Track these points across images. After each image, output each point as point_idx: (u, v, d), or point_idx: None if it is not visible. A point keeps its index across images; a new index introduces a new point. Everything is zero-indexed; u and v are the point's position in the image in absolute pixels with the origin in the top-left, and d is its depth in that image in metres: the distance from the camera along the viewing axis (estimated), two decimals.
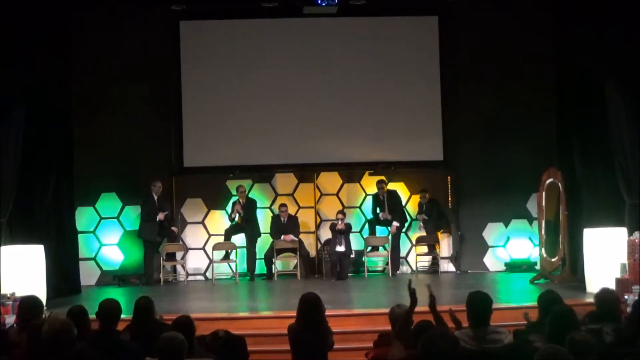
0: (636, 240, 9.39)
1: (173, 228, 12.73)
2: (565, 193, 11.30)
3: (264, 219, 13.02)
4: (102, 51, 12.72)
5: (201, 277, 13.14)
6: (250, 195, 12.99)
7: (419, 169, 13.38)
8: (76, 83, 11.94)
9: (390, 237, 12.93)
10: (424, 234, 12.98)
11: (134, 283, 12.25)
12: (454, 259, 13.27)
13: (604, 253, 9.84)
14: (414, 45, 13.27)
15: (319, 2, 11.87)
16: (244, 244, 12.82)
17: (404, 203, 13.20)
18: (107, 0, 12.25)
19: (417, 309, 5.65)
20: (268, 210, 13.23)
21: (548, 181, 11.65)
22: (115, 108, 12.89)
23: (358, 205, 13.44)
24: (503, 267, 13.01)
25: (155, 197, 12.52)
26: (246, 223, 12.72)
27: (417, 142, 13.25)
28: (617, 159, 10.18)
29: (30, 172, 10.38)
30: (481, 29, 13.08)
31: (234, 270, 12.68)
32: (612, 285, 8.74)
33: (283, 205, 12.92)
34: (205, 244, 13.15)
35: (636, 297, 7.70)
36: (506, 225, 13.22)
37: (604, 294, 5.79)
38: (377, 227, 13.12)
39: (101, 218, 12.94)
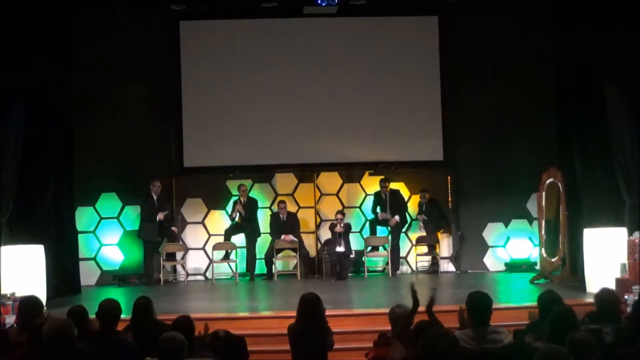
0: (636, 240, 9.39)
1: (173, 228, 12.73)
2: (565, 193, 11.30)
3: (263, 219, 13.02)
4: (102, 51, 12.72)
5: (201, 277, 13.14)
6: (250, 195, 12.98)
7: (419, 169, 13.38)
8: (76, 83, 11.94)
9: (390, 237, 12.93)
10: (424, 234, 12.98)
11: (134, 283, 12.25)
12: (454, 259, 13.27)
13: (604, 253, 9.84)
14: (414, 45, 13.27)
15: (319, 2, 11.86)
16: (244, 244, 12.82)
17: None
18: (107, 1, 12.26)
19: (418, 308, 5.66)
20: (268, 210, 13.23)
21: (548, 181, 11.65)
22: (115, 108, 12.89)
23: (358, 205, 13.44)
24: (503, 267, 13.01)
25: (155, 197, 12.52)
26: (246, 223, 12.72)
27: (417, 142, 13.25)
28: (617, 159, 10.18)
29: (30, 172, 10.38)
30: (481, 29, 13.08)
31: (234, 270, 12.68)
32: (612, 285, 8.74)
33: (282, 202, 12.92)
34: (205, 244, 13.15)
35: (636, 297, 7.70)
36: (506, 225, 13.22)
37: (604, 294, 5.79)
38: (378, 227, 13.11)
39: (101, 218, 12.94)
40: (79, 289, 11.48)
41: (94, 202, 12.89)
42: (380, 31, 13.26)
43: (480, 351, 5.00)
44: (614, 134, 10.21)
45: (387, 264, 12.82)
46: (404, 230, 13.18)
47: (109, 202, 12.95)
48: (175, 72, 13.07)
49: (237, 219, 12.79)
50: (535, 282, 11.37)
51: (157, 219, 12.43)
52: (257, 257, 12.82)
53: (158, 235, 12.57)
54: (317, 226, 13.30)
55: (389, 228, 13.04)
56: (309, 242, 13.15)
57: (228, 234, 12.76)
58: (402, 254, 13.14)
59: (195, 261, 13.15)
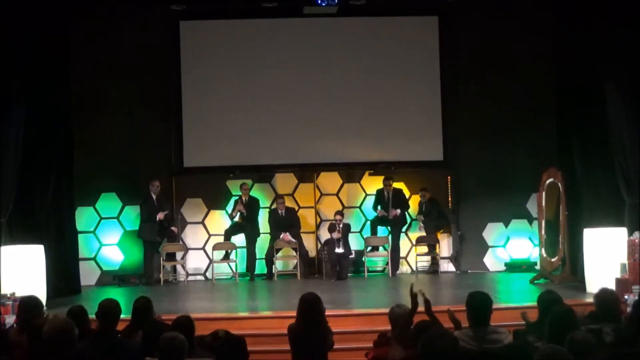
0: (636, 240, 9.39)
1: (173, 228, 12.73)
2: (565, 193, 11.30)
3: (263, 219, 13.01)
4: (102, 51, 12.72)
5: (201, 277, 13.14)
6: (251, 195, 12.94)
7: (419, 169, 13.38)
8: (76, 83, 11.93)
9: (390, 237, 12.94)
10: (424, 234, 12.98)
11: (134, 283, 12.25)
12: (454, 259, 13.27)
13: (604, 253, 9.84)
14: (414, 45, 13.27)
15: (319, 2, 11.87)
16: (244, 244, 12.82)
17: None
18: (107, 0, 12.26)
19: (417, 308, 5.66)
20: (268, 210, 13.21)
21: (548, 181, 11.65)
22: (115, 108, 12.89)
23: (358, 205, 13.44)
24: (503, 267, 13.01)
25: (154, 197, 12.52)
26: (247, 222, 12.71)
27: (417, 142, 13.25)
28: (617, 159, 10.18)
29: (30, 172, 10.37)
30: (481, 29, 13.08)
31: (234, 270, 12.68)
32: (612, 285, 8.74)
33: (280, 197, 12.92)
34: (205, 244, 13.15)
35: (636, 297, 7.70)
36: (506, 225, 13.22)
37: (604, 294, 5.78)
38: (378, 227, 13.10)
39: (101, 218, 12.94)
40: (79, 289, 11.48)
41: (94, 202, 12.89)
42: (380, 31, 13.26)
43: (480, 351, 4.99)
44: (614, 134, 10.21)
45: (387, 264, 12.82)
46: (404, 230, 13.18)
47: (109, 202, 12.95)
48: (175, 72, 13.07)
49: (237, 219, 12.78)
50: (535, 282, 11.37)
51: (157, 219, 12.43)
52: (257, 257, 12.82)
53: (158, 235, 12.57)
54: (317, 226, 13.29)
55: (388, 228, 13.04)
56: (309, 242, 13.15)
57: (228, 234, 12.76)
58: (402, 254, 13.13)
59: (195, 261, 13.15)
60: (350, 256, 12.63)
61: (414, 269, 13.03)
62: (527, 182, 12.52)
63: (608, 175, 10.49)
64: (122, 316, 5.73)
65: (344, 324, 8.19)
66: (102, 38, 12.71)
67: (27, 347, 5.06)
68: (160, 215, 12.42)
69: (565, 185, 11.31)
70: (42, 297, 8.17)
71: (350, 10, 12.65)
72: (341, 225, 12.50)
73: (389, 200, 12.92)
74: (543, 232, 11.80)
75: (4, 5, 9.63)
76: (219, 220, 13.18)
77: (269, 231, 12.91)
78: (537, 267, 12.21)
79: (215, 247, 12.71)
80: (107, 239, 12.94)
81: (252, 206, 12.77)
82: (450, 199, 13.32)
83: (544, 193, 11.72)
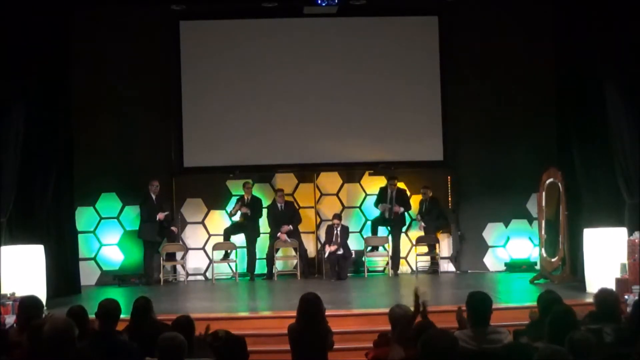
0: (636, 240, 9.39)
1: (173, 228, 12.73)
2: (565, 193, 11.30)
3: (263, 219, 12.99)
4: (102, 51, 12.72)
5: (201, 277, 13.14)
6: (254, 194, 12.93)
7: (419, 169, 13.38)
8: (76, 83, 11.93)
9: (390, 237, 12.94)
10: (424, 233, 12.99)
11: (134, 283, 12.26)
12: (454, 259, 13.27)
13: (604, 253, 9.84)
14: (414, 45, 13.26)
15: (319, 2, 11.86)
16: (244, 244, 12.81)
17: None
18: (107, 1, 12.26)
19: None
20: (265, 209, 13.19)
21: (548, 181, 11.65)
22: (115, 108, 12.89)
23: (358, 205, 13.44)
24: (503, 267, 13.01)
25: (154, 197, 12.51)
26: (248, 222, 12.69)
27: (417, 142, 13.25)
28: (617, 159, 10.19)
29: (30, 172, 10.37)
30: (481, 29, 13.08)
31: (234, 270, 12.68)
32: (612, 285, 8.74)
33: (280, 190, 12.90)
34: (205, 244, 13.15)
35: (636, 297, 7.71)
36: (506, 225, 13.22)
37: (604, 294, 5.78)
38: (379, 227, 13.10)
39: (101, 218, 12.94)
40: (79, 289, 11.47)
41: (94, 202, 12.89)
42: (380, 31, 13.26)
43: (480, 351, 5.00)
44: (614, 134, 10.21)
45: (387, 264, 12.82)
46: (404, 230, 13.18)
47: (109, 202, 12.95)
48: (175, 72, 13.07)
49: (238, 218, 12.76)
50: (535, 282, 11.37)
51: (157, 219, 12.43)
52: (258, 257, 12.81)
53: (158, 235, 12.56)
54: (317, 226, 13.29)
55: (388, 228, 13.03)
56: (309, 242, 13.15)
57: (228, 233, 12.76)
58: (402, 254, 13.13)
59: (195, 261, 13.15)
60: (351, 257, 12.63)
61: (414, 269, 13.03)
62: (527, 182, 12.52)
63: (608, 175, 10.50)
64: (122, 316, 5.73)
65: (344, 324, 8.19)
66: (102, 38, 12.71)
67: (27, 347, 5.06)
68: (160, 216, 12.42)
69: (565, 185, 11.32)
70: (42, 297, 8.15)
71: (350, 10, 12.65)
72: (339, 229, 12.47)
73: (392, 200, 12.91)
74: (543, 232, 11.80)
75: (4, 5, 9.63)
76: (219, 220, 13.18)
77: (269, 231, 12.89)
78: (537, 267, 12.21)
79: (215, 247, 12.71)
80: (107, 239, 12.94)
81: (254, 205, 12.76)
82: (450, 199, 13.32)
83: (544, 193, 11.72)
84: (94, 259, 12.87)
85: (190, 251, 13.11)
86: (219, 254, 12.75)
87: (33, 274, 9.60)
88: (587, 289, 9.90)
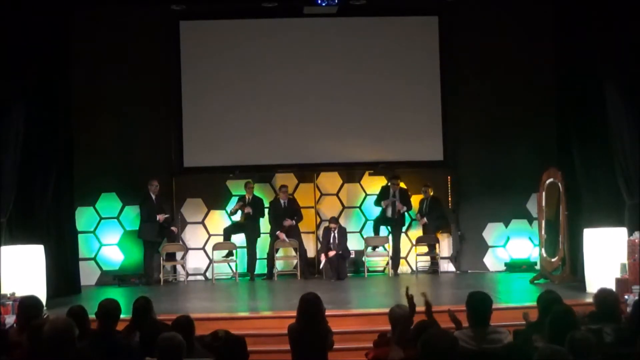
0: (636, 240, 9.39)
1: (173, 228, 12.72)
2: (565, 193, 11.30)
3: (264, 219, 12.99)
4: (102, 51, 12.72)
5: (201, 277, 13.14)
6: (255, 194, 12.92)
7: (419, 169, 13.37)
8: (76, 83, 11.93)
9: (390, 237, 12.94)
10: (423, 233, 12.99)
11: (134, 283, 12.25)
12: (454, 259, 13.27)
13: (604, 253, 9.84)
14: (414, 45, 13.26)
15: (319, 2, 11.86)
16: (244, 244, 12.81)
17: None
18: (107, 0, 12.26)
19: (416, 309, 5.66)
20: (267, 210, 13.19)
21: (548, 181, 11.65)
22: (115, 108, 12.88)
23: (358, 205, 13.44)
24: (503, 267, 13.01)
25: (154, 197, 12.51)
26: (249, 222, 12.68)
27: (417, 142, 13.25)
28: (617, 159, 10.18)
29: (30, 172, 10.37)
30: (481, 29, 13.08)
31: (234, 270, 12.68)
32: (612, 285, 8.75)
33: (284, 186, 12.87)
34: (205, 244, 13.15)
35: (636, 297, 7.71)
36: (506, 225, 13.22)
37: (604, 294, 5.78)
38: (380, 227, 13.10)
39: (101, 218, 12.94)
40: (79, 289, 11.47)
41: (94, 202, 12.89)
42: (380, 31, 13.26)
43: (480, 351, 5.00)
44: (614, 134, 10.21)
45: (387, 264, 12.82)
46: (404, 230, 13.18)
47: (109, 202, 12.95)
48: (175, 72, 13.07)
49: (240, 218, 12.75)
50: (535, 282, 11.37)
51: (157, 219, 12.42)
52: (258, 257, 12.81)
53: (158, 235, 12.56)
54: (317, 226, 13.29)
55: (389, 228, 13.03)
56: (309, 242, 13.14)
57: (228, 233, 12.75)
58: (402, 254, 13.13)
59: (195, 261, 13.15)
60: (350, 256, 12.63)
61: (414, 269, 13.03)
62: (527, 182, 12.52)
63: (608, 175, 10.49)
64: (122, 316, 5.73)
65: (344, 324, 8.19)
66: (102, 38, 12.71)
67: (27, 347, 5.06)
68: (160, 217, 12.41)
69: (565, 185, 11.32)
70: (42, 297, 8.16)
71: (350, 10, 12.65)
72: (336, 231, 12.44)
73: (395, 198, 12.90)
74: (543, 232, 11.80)
75: (4, 5, 9.63)
76: (219, 220, 13.18)
77: (269, 231, 12.89)
78: (537, 267, 12.21)
79: (216, 247, 12.71)
80: (107, 239, 12.94)
81: (256, 205, 12.76)
82: (450, 199, 13.32)
83: (544, 193, 11.72)
84: (94, 259, 12.87)
85: (190, 251, 13.11)
86: (219, 254, 12.75)
87: (33, 274, 9.59)
88: (587, 289, 9.90)
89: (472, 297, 5.31)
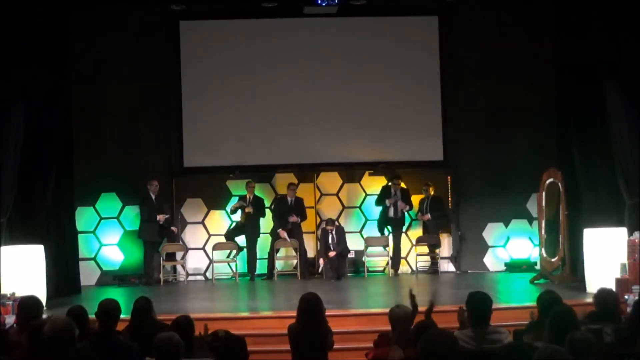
0: (636, 240, 9.39)
1: (173, 228, 12.72)
2: (565, 193, 11.30)
3: (264, 219, 12.99)
4: (102, 51, 12.72)
5: (201, 277, 13.14)
6: (256, 194, 12.91)
7: (419, 169, 13.38)
8: (76, 83, 11.92)
9: (390, 237, 12.94)
10: (424, 233, 12.99)
11: (134, 283, 12.25)
12: (454, 259, 13.27)
13: (604, 253, 9.84)
14: (414, 45, 13.27)
15: (319, 2, 11.87)
16: (244, 244, 12.81)
17: None
18: (107, 1, 12.26)
19: (418, 309, 5.67)
20: (267, 210, 13.19)
21: (548, 181, 11.65)
22: (115, 108, 12.89)
23: (358, 205, 13.44)
24: (503, 267, 13.01)
25: (153, 197, 12.51)
26: (250, 221, 12.67)
27: (417, 142, 13.25)
28: (617, 159, 10.19)
29: (30, 172, 10.37)
30: (481, 29, 13.08)
31: (234, 270, 12.68)
32: (612, 285, 8.74)
33: (292, 184, 12.84)
34: (205, 244, 13.15)
35: (636, 297, 7.70)
36: (506, 225, 13.22)
37: (604, 294, 5.78)
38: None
39: (101, 218, 12.94)
40: (79, 289, 11.47)
41: (94, 202, 12.89)
42: (380, 31, 13.26)
43: (480, 351, 4.99)
44: (614, 134, 10.21)
45: (387, 264, 12.82)
46: (404, 230, 13.18)
47: (109, 202, 12.95)
48: (175, 72, 13.08)
49: (240, 218, 12.74)
50: (535, 282, 11.37)
51: (157, 220, 12.42)
52: (258, 256, 12.81)
53: (158, 236, 12.56)
54: (317, 226, 13.28)
55: (389, 228, 13.03)
56: (309, 242, 13.14)
57: (229, 236, 12.73)
58: (402, 254, 13.12)
59: (195, 261, 13.15)
60: (350, 255, 12.63)
61: (414, 269, 13.03)
62: (527, 182, 12.52)
63: (608, 175, 10.50)
64: (122, 316, 5.73)
65: (344, 324, 8.18)
66: (102, 38, 12.72)
67: (27, 347, 5.06)
68: (160, 217, 12.41)
69: (565, 185, 11.32)
70: (42, 297, 8.17)
71: (350, 10, 12.66)
72: (334, 232, 12.43)
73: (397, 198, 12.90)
74: (543, 232, 11.80)
75: (4, 5, 9.63)
76: (219, 221, 13.18)
77: (269, 231, 12.89)
78: (537, 267, 12.20)
79: (216, 247, 12.71)
80: (107, 239, 12.94)
81: (257, 205, 12.75)
82: (450, 199, 13.32)
83: (544, 193, 11.72)
84: (94, 259, 12.87)
85: (190, 251, 13.11)
86: (219, 254, 12.74)
87: (33, 274, 9.60)
88: (587, 289, 9.90)
89: (472, 297, 5.30)
